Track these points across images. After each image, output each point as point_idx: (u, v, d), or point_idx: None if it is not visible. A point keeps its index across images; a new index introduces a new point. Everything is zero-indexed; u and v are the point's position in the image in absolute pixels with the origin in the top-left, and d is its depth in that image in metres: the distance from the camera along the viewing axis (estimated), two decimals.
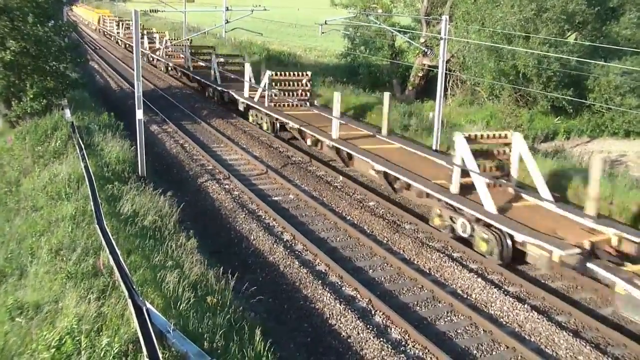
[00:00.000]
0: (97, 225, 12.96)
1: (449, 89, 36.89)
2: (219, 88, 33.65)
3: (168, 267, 11.93)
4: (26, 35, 24.09)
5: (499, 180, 17.25)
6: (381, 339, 11.69)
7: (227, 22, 37.20)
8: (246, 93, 30.18)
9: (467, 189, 16.65)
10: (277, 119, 26.87)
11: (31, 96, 24.56)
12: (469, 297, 13.84)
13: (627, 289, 11.92)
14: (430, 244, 16.60)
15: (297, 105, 27.85)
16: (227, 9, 37.39)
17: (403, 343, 11.78)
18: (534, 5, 29.59)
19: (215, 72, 35.01)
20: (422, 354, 11.45)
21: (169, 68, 46.88)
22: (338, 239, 16.75)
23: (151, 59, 51.44)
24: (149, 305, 9.08)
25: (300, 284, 14.00)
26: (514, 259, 15.01)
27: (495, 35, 31.07)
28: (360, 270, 14.85)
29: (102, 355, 8.41)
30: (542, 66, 29.18)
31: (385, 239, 16.90)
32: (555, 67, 29.20)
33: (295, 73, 29.61)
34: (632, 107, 28.94)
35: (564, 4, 29.49)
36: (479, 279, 14.38)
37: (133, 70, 20.71)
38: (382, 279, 14.48)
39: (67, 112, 24.91)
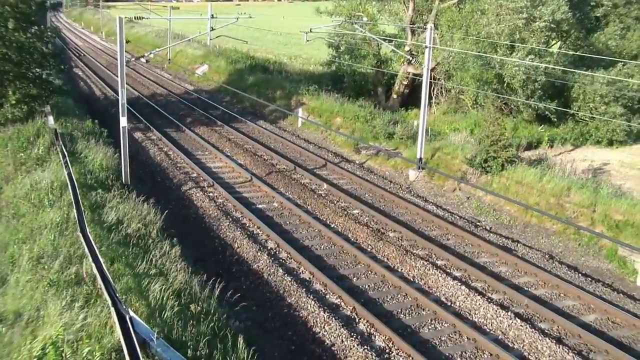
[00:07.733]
0: (80, 233, 12.88)
1: (433, 97, 37.01)
2: None
3: (152, 275, 11.88)
4: (7, 41, 23.85)
5: None
6: (365, 347, 11.71)
7: (213, 29, 37.08)
8: None
9: None
10: None
11: (13, 102, 24.34)
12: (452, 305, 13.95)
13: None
14: (415, 251, 16.67)
15: None
16: (213, 17, 37.27)
17: (387, 351, 11.82)
18: (525, 14, 29.86)
19: None
20: None
21: None
22: (322, 246, 16.76)
23: None
24: (132, 314, 9.04)
25: (284, 291, 13.99)
26: None
27: (481, 43, 31.23)
28: (344, 278, 14.87)
29: None
30: (528, 77, 29.39)
31: (370, 246, 16.95)
32: (541, 79, 29.41)
33: None
34: (616, 116, 29.18)
35: (551, 13, 29.79)
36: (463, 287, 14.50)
37: (117, 77, 20.63)
38: (366, 286, 14.52)
39: (50, 119, 24.73)
